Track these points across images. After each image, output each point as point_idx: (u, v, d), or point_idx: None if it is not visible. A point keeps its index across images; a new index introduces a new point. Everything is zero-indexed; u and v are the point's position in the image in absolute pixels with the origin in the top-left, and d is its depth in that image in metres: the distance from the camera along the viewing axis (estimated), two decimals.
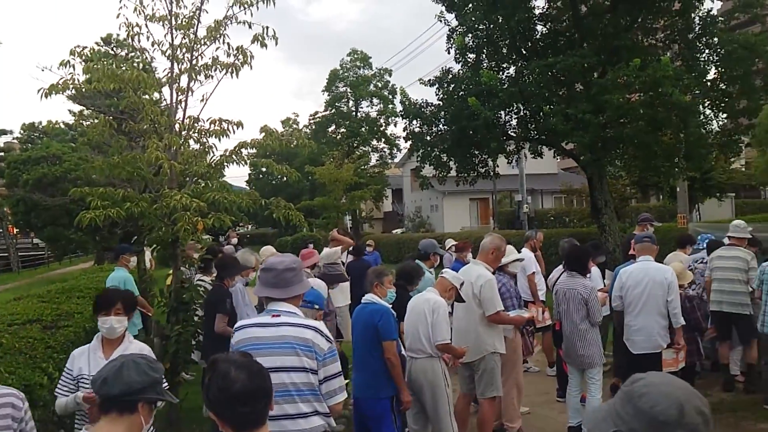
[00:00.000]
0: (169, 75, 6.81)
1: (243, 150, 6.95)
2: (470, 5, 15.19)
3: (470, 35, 15.73)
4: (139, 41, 6.96)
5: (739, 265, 7.79)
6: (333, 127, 47.66)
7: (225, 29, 6.79)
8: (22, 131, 40.61)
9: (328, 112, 47.64)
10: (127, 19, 6.80)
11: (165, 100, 7.13)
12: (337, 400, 3.38)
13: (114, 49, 22.64)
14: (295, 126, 52.21)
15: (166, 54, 6.79)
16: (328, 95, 47.19)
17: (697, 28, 14.85)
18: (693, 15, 14.86)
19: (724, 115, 15.84)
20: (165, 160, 6.15)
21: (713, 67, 14.84)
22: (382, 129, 47.17)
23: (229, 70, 6.76)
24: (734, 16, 15.66)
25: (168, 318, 6.76)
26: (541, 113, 14.18)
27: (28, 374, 4.52)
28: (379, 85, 46.80)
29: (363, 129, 46.21)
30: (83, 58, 6.68)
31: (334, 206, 32.29)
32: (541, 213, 35.46)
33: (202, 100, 6.92)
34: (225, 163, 7.06)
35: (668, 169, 15.28)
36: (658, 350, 6.33)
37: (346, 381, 3.68)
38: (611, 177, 19.21)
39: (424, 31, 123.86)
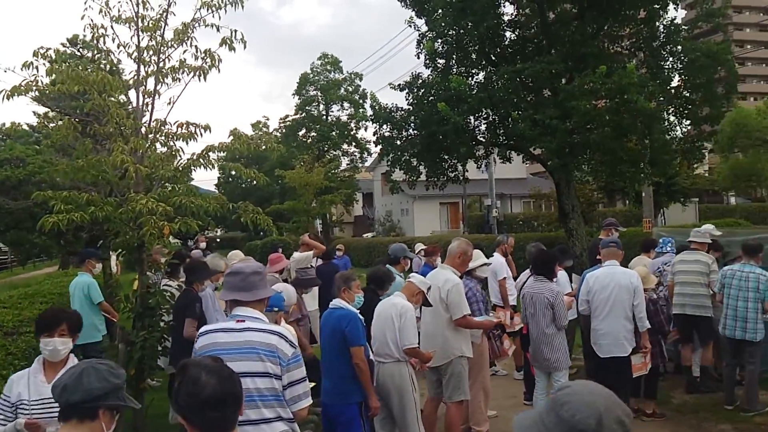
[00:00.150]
0: (136, 77, 6.73)
1: (211, 154, 6.89)
2: (440, 11, 15.26)
3: (440, 41, 15.82)
4: (104, 43, 6.87)
5: (701, 269, 7.97)
6: (303, 131, 47.43)
7: (193, 32, 6.73)
8: None
9: (298, 116, 47.40)
10: (92, 20, 6.71)
11: (131, 102, 7.05)
12: (301, 406, 3.37)
13: (80, 50, 22.26)
14: (265, 129, 51.91)
15: (133, 56, 6.71)
16: (299, 99, 46.97)
17: (661, 37, 15.15)
18: (657, 23, 15.16)
19: (688, 122, 16.16)
20: (131, 164, 6.06)
21: (677, 75, 15.17)
22: (352, 133, 47.07)
23: (197, 73, 6.70)
24: (697, 25, 16.02)
25: (133, 323, 6.66)
26: (510, 119, 14.32)
27: None
28: (350, 89, 46.73)
29: (333, 133, 46.07)
30: (47, 59, 6.58)
31: (305, 210, 32.17)
32: (511, 217, 35.78)
33: (169, 103, 6.84)
34: (192, 167, 7.00)
35: (633, 174, 15.53)
36: (625, 354, 6.44)
37: (312, 384, 3.67)
38: (578, 182, 19.46)
39: (394, 36, 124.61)
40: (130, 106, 7.14)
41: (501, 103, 14.34)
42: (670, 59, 15.13)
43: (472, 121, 15.75)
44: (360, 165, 48.21)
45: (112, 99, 6.86)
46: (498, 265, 8.96)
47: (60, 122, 7.29)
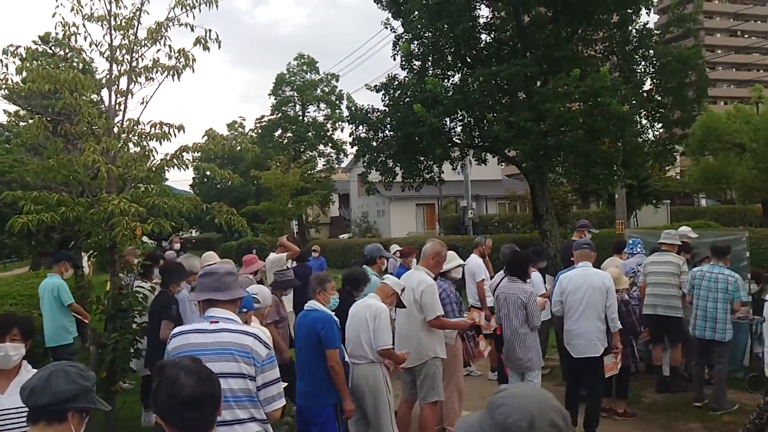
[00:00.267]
0: (108, 76, 6.66)
1: (185, 154, 6.83)
2: (416, 13, 15.33)
3: (416, 42, 15.89)
4: (76, 41, 6.78)
5: (672, 270, 8.10)
6: (279, 132, 47.23)
7: (166, 31, 6.67)
8: None
9: (274, 116, 47.18)
10: (63, 17, 6.61)
11: (104, 102, 6.96)
12: (275, 407, 3.36)
13: (52, 48, 21.94)
14: (241, 129, 51.57)
15: (105, 55, 6.64)
16: (275, 99, 46.77)
17: (634, 41, 15.39)
18: (630, 28, 15.39)
19: (659, 125, 16.43)
20: (102, 164, 5.99)
21: (649, 79, 15.42)
22: (329, 134, 46.98)
23: (171, 72, 6.64)
24: (669, 30, 16.27)
25: (105, 325, 6.58)
26: (485, 120, 14.43)
27: None
28: (326, 89, 46.64)
29: (310, 134, 45.95)
30: (17, 57, 6.47)
31: (280, 211, 32.00)
32: (486, 218, 35.97)
33: (143, 103, 6.78)
34: (166, 167, 6.93)
35: (607, 176, 15.73)
36: (598, 354, 6.51)
37: (285, 384, 3.66)
38: (552, 184, 19.65)
39: (371, 37, 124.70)
40: (102, 106, 7.07)
41: (476, 105, 14.45)
42: (643, 63, 15.38)
43: (448, 122, 15.84)
44: (336, 166, 48.16)
45: (84, 98, 6.75)
46: (476, 267, 9.00)
47: (30, 121, 7.17)
